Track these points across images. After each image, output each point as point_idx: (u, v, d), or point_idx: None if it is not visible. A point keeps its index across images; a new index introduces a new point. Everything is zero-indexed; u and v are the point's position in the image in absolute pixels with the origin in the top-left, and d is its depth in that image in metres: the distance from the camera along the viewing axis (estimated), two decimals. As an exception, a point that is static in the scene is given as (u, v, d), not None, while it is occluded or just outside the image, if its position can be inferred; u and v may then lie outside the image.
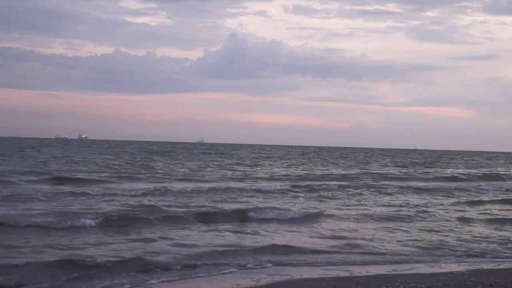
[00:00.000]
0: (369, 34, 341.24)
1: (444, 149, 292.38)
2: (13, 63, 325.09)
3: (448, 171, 53.98)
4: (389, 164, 69.42)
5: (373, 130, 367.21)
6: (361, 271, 11.98)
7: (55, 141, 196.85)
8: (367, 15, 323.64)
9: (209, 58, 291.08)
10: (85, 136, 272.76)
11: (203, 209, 20.30)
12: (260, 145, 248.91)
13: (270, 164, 57.50)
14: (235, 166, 51.61)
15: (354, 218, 19.98)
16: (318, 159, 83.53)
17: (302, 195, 27.60)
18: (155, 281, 10.78)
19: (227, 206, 21.55)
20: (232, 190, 27.48)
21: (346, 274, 11.68)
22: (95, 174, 35.03)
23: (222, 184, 30.68)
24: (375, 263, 13.06)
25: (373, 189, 31.63)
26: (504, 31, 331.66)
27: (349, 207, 23.33)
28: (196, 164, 53.48)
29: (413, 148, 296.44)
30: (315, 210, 21.41)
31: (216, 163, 56.75)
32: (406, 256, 13.91)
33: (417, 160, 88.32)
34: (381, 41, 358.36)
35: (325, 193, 28.52)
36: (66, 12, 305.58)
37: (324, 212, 20.76)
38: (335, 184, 33.30)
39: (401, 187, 33.98)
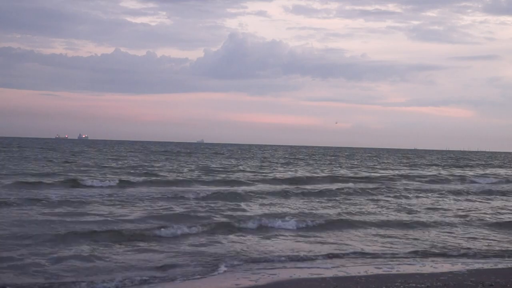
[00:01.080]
0: (369, 34, 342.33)
1: (444, 149, 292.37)
2: (13, 63, 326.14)
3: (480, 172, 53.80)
4: (399, 164, 69.42)
5: (373, 130, 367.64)
6: (360, 271, 11.99)
7: (55, 141, 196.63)
8: (367, 15, 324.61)
9: (209, 58, 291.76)
10: (85, 136, 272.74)
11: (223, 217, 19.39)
12: (260, 145, 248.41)
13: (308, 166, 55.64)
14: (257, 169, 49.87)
15: (372, 224, 19.03)
16: (324, 159, 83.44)
17: (316, 199, 26.51)
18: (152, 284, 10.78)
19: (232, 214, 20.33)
20: (243, 195, 26.16)
21: (346, 274, 11.67)
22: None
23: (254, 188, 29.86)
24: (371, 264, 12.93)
25: (396, 193, 30.56)
26: (504, 31, 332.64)
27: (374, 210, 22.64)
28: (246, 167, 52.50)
29: (413, 148, 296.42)
30: (335, 217, 20.22)
31: (229, 164, 56.67)
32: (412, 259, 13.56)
33: (436, 162, 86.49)
34: (381, 41, 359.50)
35: (342, 197, 27.42)
36: (66, 12, 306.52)
37: (343, 218, 19.83)
38: (358, 188, 31.92)
39: (432, 190, 33.01)
